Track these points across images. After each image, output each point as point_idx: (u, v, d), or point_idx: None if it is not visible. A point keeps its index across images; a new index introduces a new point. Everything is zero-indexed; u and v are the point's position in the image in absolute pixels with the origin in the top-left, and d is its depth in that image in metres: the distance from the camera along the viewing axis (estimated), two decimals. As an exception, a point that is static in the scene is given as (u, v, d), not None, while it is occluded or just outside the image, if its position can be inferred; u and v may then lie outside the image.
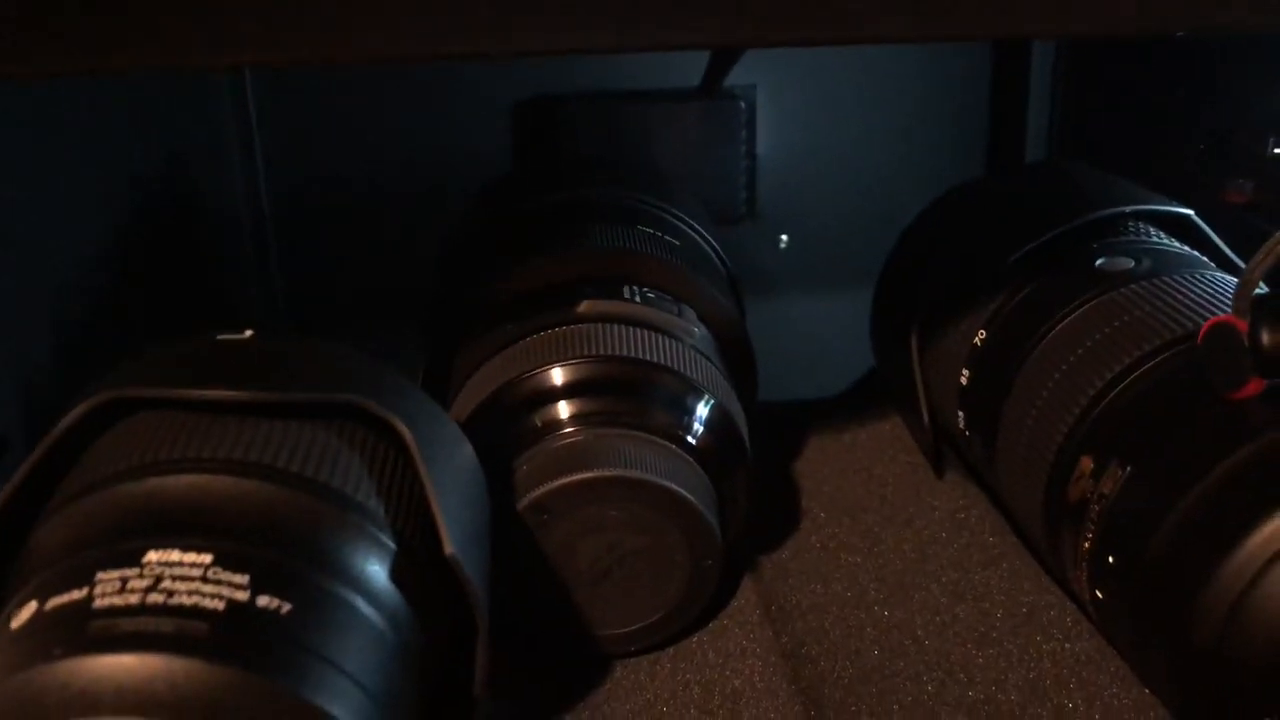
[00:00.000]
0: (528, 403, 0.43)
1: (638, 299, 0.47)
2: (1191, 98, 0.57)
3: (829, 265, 0.84)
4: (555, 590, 0.42)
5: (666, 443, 0.43)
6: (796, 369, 0.67)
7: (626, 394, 0.43)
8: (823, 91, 0.80)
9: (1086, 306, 0.43)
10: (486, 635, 0.34)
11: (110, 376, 0.34)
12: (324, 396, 0.33)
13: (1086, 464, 0.39)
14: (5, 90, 0.49)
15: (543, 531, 0.41)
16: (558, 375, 0.43)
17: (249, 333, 0.35)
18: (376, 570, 0.31)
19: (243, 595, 0.27)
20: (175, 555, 0.28)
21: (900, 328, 0.52)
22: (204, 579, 0.27)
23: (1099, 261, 0.45)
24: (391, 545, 0.32)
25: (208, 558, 0.28)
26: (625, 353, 0.44)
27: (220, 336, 0.35)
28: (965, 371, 0.48)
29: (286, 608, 0.28)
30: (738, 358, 0.51)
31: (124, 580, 0.27)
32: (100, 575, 0.27)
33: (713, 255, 0.56)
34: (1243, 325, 0.34)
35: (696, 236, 0.55)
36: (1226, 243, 0.45)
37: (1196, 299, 0.41)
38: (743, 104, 0.79)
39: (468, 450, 0.37)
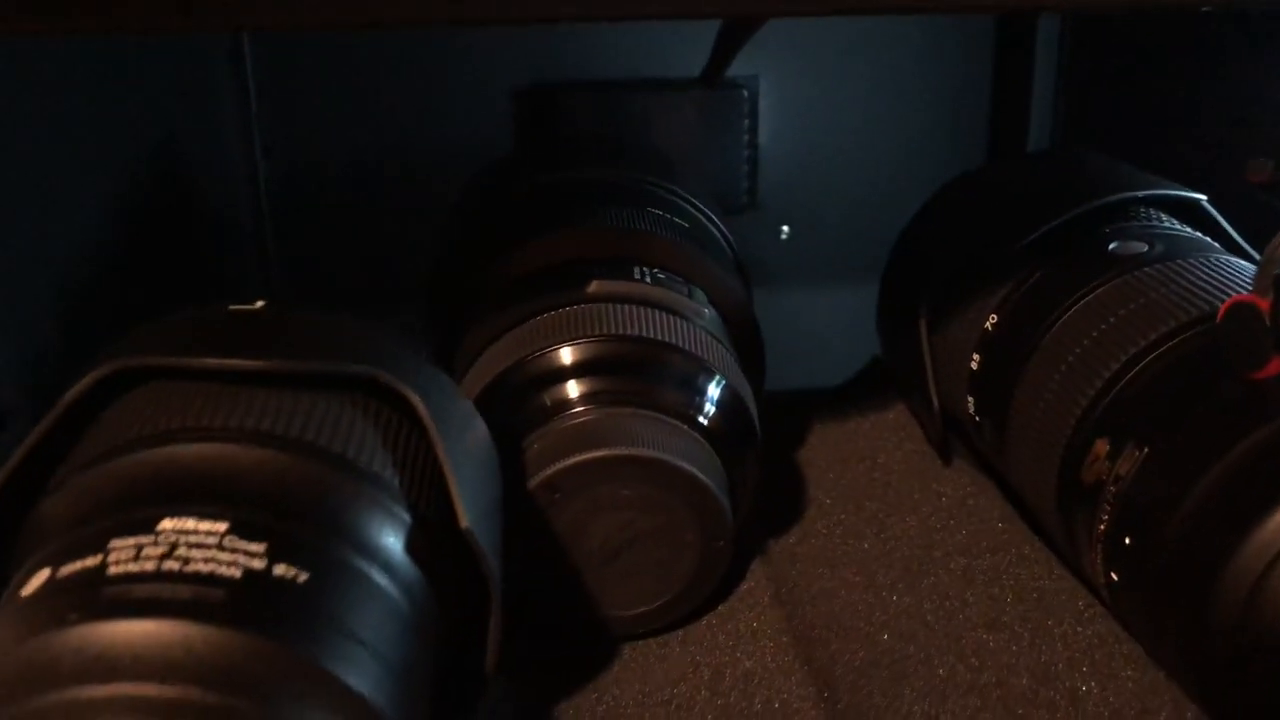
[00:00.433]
0: (538, 382, 0.43)
1: (648, 279, 0.46)
2: (1201, 78, 0.57)
3: (831, 255, 0.83)
4: (566, 569, 0.41)
5: (677, 422, 0.42)
6: (799, 359, 0.67)
7: (637, 373, 0.43)
8: (825, 82, 0.80)
9: (1101, 290, 0.43)
10: (499, 611, 0.33)
11: (119, 347, 0.33)
12: (339, 367, 0.32)
13: (1102, 446, 0.39)
14: (7, 71, 0.49)
15: (554, 510, 0.40)
16: (568, 354, 0.43)
17: (260, 304, 0.35)
18: (392, 542, 0.31)
19: (259, 564, 0.27)
20: (190, 523, 0.27)
21: (909, 314, 0.52)
22: (220, 547, 0.27)
23: (1112, 246, 0.45)
24: (407, 518, 0.31)
25: (223, 525, 0.27)
26: (636, 332, 0.44)
27: (232, 307, 0.35)
28: (976, 356, 0.48)
29: (304, 576, 0.27)
30: (745, 340, 0.50)
31: (139, 547, 0.27)
32: (114, 542, 0.27)
33: (720, 239, 0.55)
34: (1265, 304, 0.34)
35: (704, 219, 0.55)
36: (1246, 222, 0.45)
37: (1211, 282, 0.41)
38: (745, 94, 0.79)
39: (481, 426, 0.37)
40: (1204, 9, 0.46)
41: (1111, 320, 0.41)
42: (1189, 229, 0.47)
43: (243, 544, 0.27)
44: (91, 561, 0.26)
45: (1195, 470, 0.34)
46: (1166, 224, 0.47)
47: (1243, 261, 0.43)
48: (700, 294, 0.48)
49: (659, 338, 0.44)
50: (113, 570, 0.26)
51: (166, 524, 0.27)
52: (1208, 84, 0.59)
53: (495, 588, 0.33)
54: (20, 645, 0.25)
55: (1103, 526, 0.38)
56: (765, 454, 0.47)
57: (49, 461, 0.31)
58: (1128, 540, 0.37)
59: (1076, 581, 0.44)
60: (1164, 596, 0.35)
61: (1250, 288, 0.34)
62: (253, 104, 0.73)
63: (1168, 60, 0.64)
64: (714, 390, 0.44)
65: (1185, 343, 0.39)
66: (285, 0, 0.29)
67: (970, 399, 0.49)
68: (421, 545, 0.31)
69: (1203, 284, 0.41)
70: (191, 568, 0.26)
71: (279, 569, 0.27)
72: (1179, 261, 0.43)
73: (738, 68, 0.76)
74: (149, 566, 0.26)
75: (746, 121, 0.79)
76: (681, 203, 0.54)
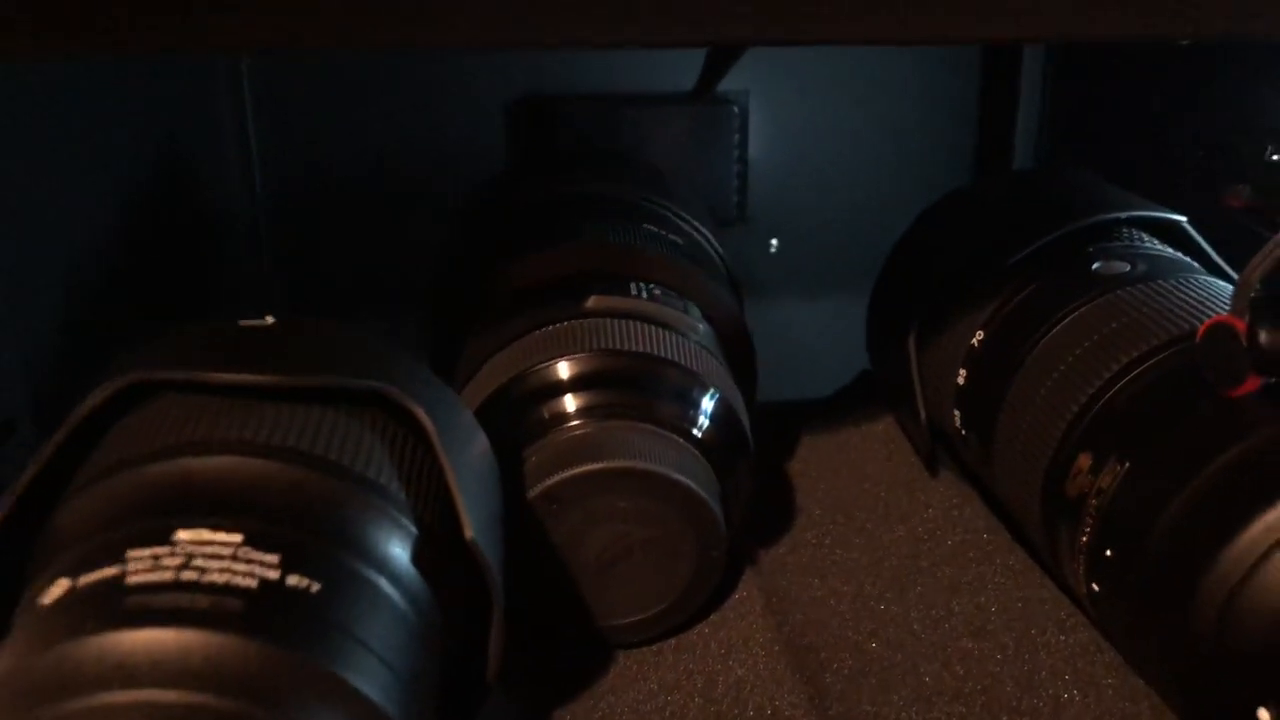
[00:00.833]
0: (536, 395, 0.44)
1: (644, 295, 0.47)
2: (1182, 104, 0.58)
3: (819, 269, 0.85)
4: (563, 579, 0.42)
5: (673, 435, 0.43)
6: (787, 372, 0.68)
7: (634, 387, 0.44)
8: (814, 97, 0.81)
9: (1084, 308, 0.44)
10: (502, 621, 0.34)
11: (132, 359, 0.34)
12: (349, 383, 0.33)
13: (1085, 460, 0.40)
14: (9, 84, 0.49)
15: (552, 521, 0.41)
16: (566, 368, 0.44)
17: (270, 319, 0.36)
18: (399, 553, 0.32)
19: (274, 574, 0.28)
20: (206, 534, 0.28)
21: (898, 328, 0.53)
22: (235, 558, 0.28)
23: (1095, 265, 0.46)
24: (413, 529, 0.32)
25: (238, 537, 0.28)
26: (632, 347, 0.44)
27: (243, 322, 0.35)
28: (962, 371, 0.49)
29: (316, 587, 0.28)
30: (738, 353, 0.52)
31: (156, 558, 0.27)
32: (131, 553, 0.28)
33: (714, 254, 0.57)
34: (1241, 325, 0.35)
35: (698, 235, 0.56)
36: (1224, 246, 0.47)
37: (1191, 302, 0.42)
38: (735, 109, 0.80)
39: (483, 439, 0.38)
40: (1182, 42, 0.48)
41: (1094, 338, 0.43)
42: (1170, 249, 0.48)
43: (258, 555, 0.28)
44: (110, 571, 0.27)
45: (1174, 485, 0.36)
46: (1148, 245, 0.48)
47: (1221, 282, 0.45)
48: (695, 309, 0.49)
49: (655, 352, 0.45)
50: (131, 580, 0.27)
51: (183, 535, 0.28)
52: (1188, 109, 0.61)
53: (498, 598, 0.34)
54: (41, 654, 0.25)
55: (1085, 539, 0.39)
56: (757, 465, 0.48)
57: (63, 472, 0.32)
58: (1109, 552, 0.38)
59: (1059, 592, 0.45)
60: (1144, 607, 0.36)
61: (1228, 308, 0.36)
62: (249, 115, 0.74)
63: (1150, 85, 0.66)
64: (708, 403, 0.45)
65: (1166, 361, 0.40)
66: (277, 23, 0.29)
67: (957, 412, 0.50)
68: (427, 556, 0.32)
69: (1183, 304, 0.42)
70: (208, 578, 0.27)
71: (292, 579, 0.28)
72: (1160, 282, 0.44)
73: (728, 83, 0.77)
74: (167, 576, 0.27)
75: (737, 136, 0.80)
76: (676, 218, 0.55)
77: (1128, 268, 0.45)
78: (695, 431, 0.44)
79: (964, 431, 0.50)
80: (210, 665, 0.25)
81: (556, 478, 0.41)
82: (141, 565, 0.27)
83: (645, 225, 0.52)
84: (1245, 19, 0.30)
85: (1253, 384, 0.35)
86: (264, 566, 0.28)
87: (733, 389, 0.47)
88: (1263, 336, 0.34)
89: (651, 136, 0.79)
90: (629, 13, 0.30)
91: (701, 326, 0.49)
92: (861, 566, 0.50)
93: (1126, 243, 0.48)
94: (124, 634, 0.25)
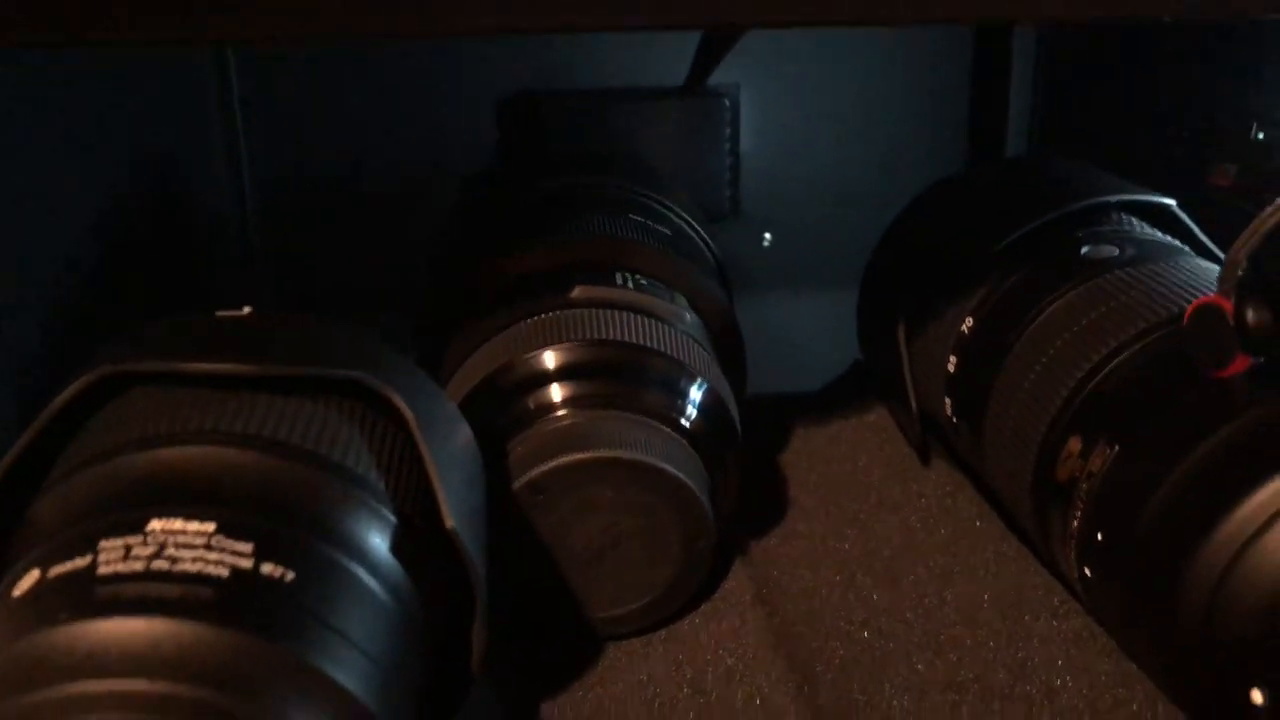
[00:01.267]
0: (522, 386, 0.43)
1: (630, 285, 0.47)
2: (1175, 85, 0.58)
3: (812, 262, 0.84)
4: (551, 570, 0.42)
5: (660, 425, 0.43)
6: (781, 364, 0.67)
7: (620, 377, 0.44)
8: (806, 89, 0.81)
9: (1073, 293, 0.44)
10: (484, 611, 0.34)
11: (107, 351, 0.34)
12: (325, 371, 0.33)
13: (1075, 444, 0.40)
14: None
15: (538, 512, 0.41)
16: (552, 358, 0.43)
17: (248, 309, 0.36)
18: (378, 542, 0.31)
19: (247, 563, 0.27)
20: (178, 524, 0.28)
21: (887, 317, 0.53)
22: (208, 547, 0.27)
23: (1084, 250, 0.46)
24: (392, 519, 0.32)
25: (211, 526, 0.28)
26: (619, 337, 0.44)
27: (220, 313, 0.35)
28: (952, 359, 0.49)
29: (290, 575, 0.28)
30: (727, 345, 0.51)
31: (128, 548, 0.27)
32: (103, 543, 0.27)
33: (702, 245, 0.56)
34: (1228, 305, 0.34)
35: (686, 226, 0.56)
36: (1211, 226, 0.46)
37: (1180, 284, 0.42)
38: (726, 102, 0.80)
39: (465, 429, 0.38)
40: (1166, 19, 0.47)
41: (1084, 322, 0.42)
42: (1159, 233, 0.48)
43: (230, 543, 0.28)
44: (81, 562, 0.27)
45: (1163, 467, 0.35)
46: (1138, 229, 0.48)
47: (1211, 265, 0.44)
48: (681, 299, 0.49)
49: (641, 342, 0.44)
50: (103, 570, 0.26)
51: (155, 524, 0.28)
52: (1178, 92, 0.60)
53: (480, 589, 0.33)
54: (12, 644, 0.25)
55: (1076, 523, 0.39)
56: (747, 457, 0.47)
57: (39, 465, 0.32)
58: (1100, 536, 0.38)
59: (1052, 578, 0.45)
60: (1134, 590, 0.36)
61: (1216, 290, 0.35)
62: (238, 115, 0.74)
63: (1140, 69, 0.65)
64: (695, 393, 0.45)
65: (1155, 343, 0.39)
66: (271, 15, 0.29)
67: (948, 400, 0.49)
68: (407, 546, 0.32)
69: (1171, 287, 0.42)
70: (180, 567, 0.27)
71: (266, 568, 0.27)
72: (1149, 265, 0.44)
73: (719, 76, 0.77)
74: (138, 566, 0.26)
75: (728, 129, 0.80)
76: (664, 210, 0.55)
77: (1116, 252, 0.45)
78: (683, 421, 0.44)
79: (955, 419, 0.49)
80: (181, 654, 0.25)
81: (542, 468, 0.41)
82: (113, 555, 0.27)
83: (632, 217, 0.52)
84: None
85: (1241, 364, 0.35)
86: (237, 555, 0.27)
87: (720, 379, 0.47)
88: (1250, 316, 0.34)
89: (643, 131, 0.79)
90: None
91: (689, 316, 0.48)
92: (853, 557, 0.49)
93: (1115, 227, 0.48)
94: (94, 624, 0.25)
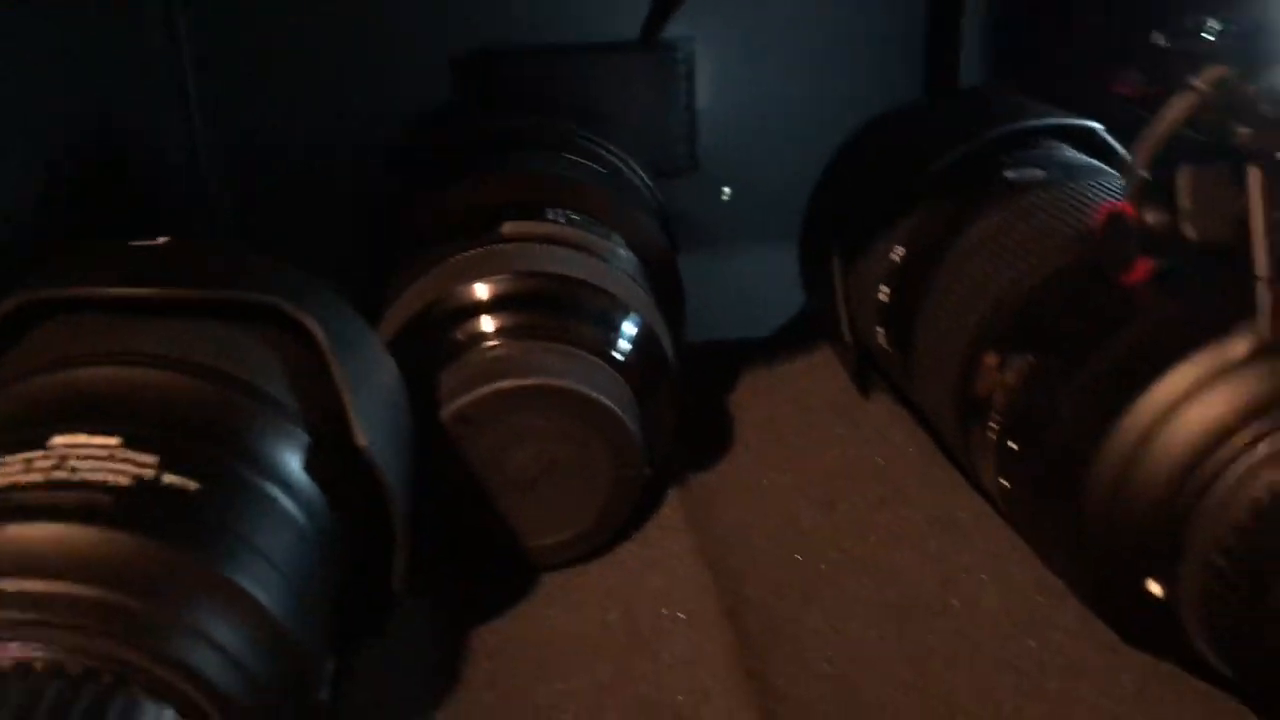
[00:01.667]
0: (452, 318, 0.44)
1: (561, 220, 0.48)
2: (1123, 23, 0.58)
3: (773, 214, 0.84)
4: (483, 500, 0.42)
5: (589, 355, 0.43)
6: (745, 316, 0.68)
7: (550, 308, 0.44)
8: (761, 41, 0.81)
9: (996, 216, 0.44)
10: (405, 531, 0.34)
11: (28, 282, 0.34)
12: (235, 295, 0.33)
13: (992, 359, 0.40)
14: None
15: (468, 441, 0.41)
16: (481, 291, 0.44)
17: (163, 239, 0.36)
18: (289, 459, 0.32)
19: (150, 473, 0.28)
20: (82, 439, 0.28)
21: (823, 252, 0.53)
22: (111, 459, 0.28)
23: (1009, 174, 0.46)
24: (305, 437, 0.32)
25: (115, 440, 0.28)
26: (548, 269, 0.45)
27: (134, 243, 0.35)
28: (884, 288, 0.49)
29: (194, 486, 0.28)
30: (665, 282, 0.52)
31: (29, 461, 0.27)
32: (5, 458, 0.28)
33: (641, 186, 0.57)
34: (1132, 210, 0.35)
35: (624, 167, 0.56)
36: (1123, 137, 0.47)
37: (1097, 201, 0.42)
38: (681, 56, 0.80)
39: (385, 356, 0.38)
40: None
41: (1003, 242, 0.43)
42: (1085, 156, 0.48)
43: (134, 455, 0.28)
44: None
45: (1069, 373, 0.36)
46: (1065, 152, 0.48)
47: (1132, 182, 0.45)
48: (616, 236, 0.49)
49: (571, 274, 0.45)
50: (1, 483, 0.27)
51: (58, 440, 0.28)
52: (1120, 18, 0.60)
53: (397, 509, 0.34)
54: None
55: (993, 435, 0.39)
56: (695, 400, 0.48)
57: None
58: (1014, 446, 0.38)
59: (980, 497, 0.46)
60: (1043, 494, 0.37)
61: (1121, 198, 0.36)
62: (190, 79, 0.73)
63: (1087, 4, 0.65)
64: (627, 326, 0.45)
65: (1069, 257, 0.40)
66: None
67: (881, 330, 0.50)
68: (320, 464, 0.32)
69: (1089, 204, 0.42)
70: (80, 477, 0.27)
71: (169, 478, 0.28)
72: (1070, 185, 0.44)
73: (674, 30, 0.77)
74: (38, 478, 0.27)
75: (684, 84, 0.80)
76: (601, 151, 0.55)
77: (1041, 174, 0.45)
78: (614, 353, 0.44)
79: (889, 349, 0.50)
80: (77, 558, 0.25)
81: (469, 397, 0.41)
82: (14, 469, 0.27)
83: (566, 156, 0.52)
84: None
85: (1144, 270, 0.35)
86: (139, 466, 0.28)
87: (654, 312, 0.47)
88: (1149, 217, 0.34)
89: (599, 86, 0.79)
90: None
91: (622, 252, 0.49)
92: (792, 487, 0.50)
93: (1042, 151, 0.48)
94: None
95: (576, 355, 0.43)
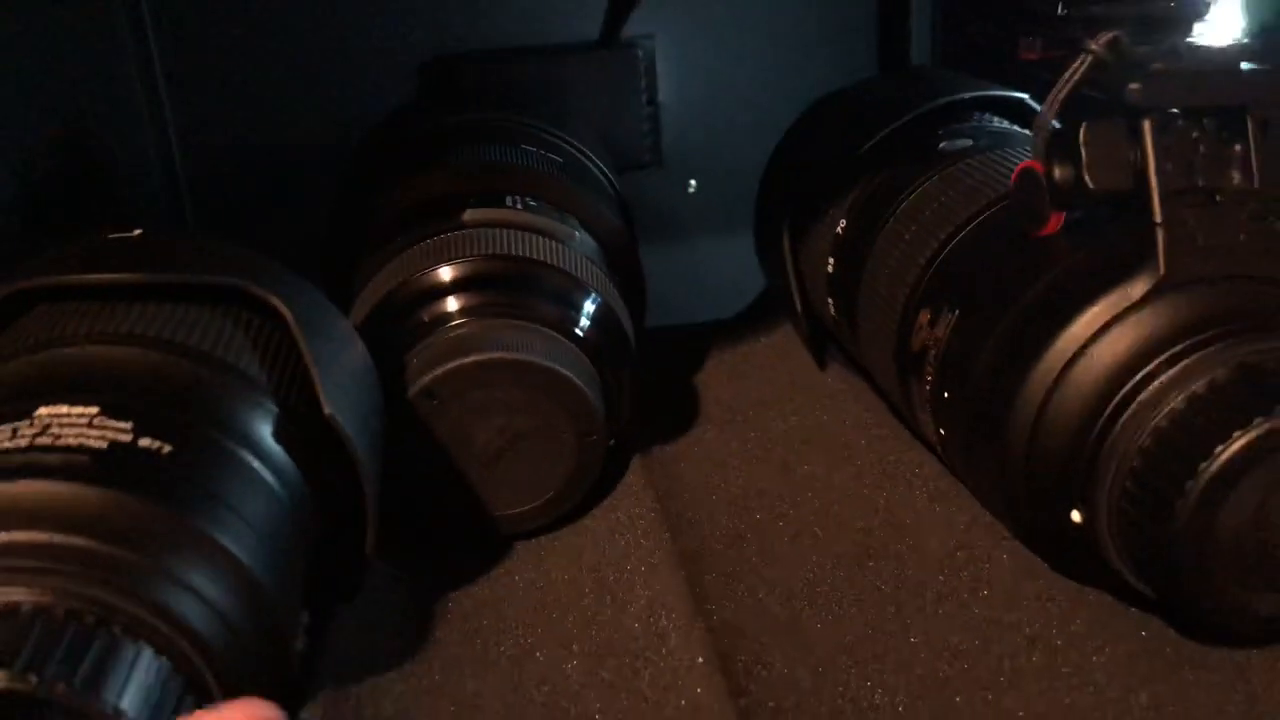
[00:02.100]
0: (417, 301, 0.46)
1: (519, 207, 0.50)
2: None
3: (737, 205, 0.86)
4: (452, 474, 0.45)
5: (549, 331, 0.46)
6: (710, 304, 0.70)
7: (510, 288, 0.46)
8: (719, 35, 0.83)
9: (928, 183, 0.47)
10: (374, 497, 0.36)
11: (13, 274, 0.36)
12: (205, 278, 0.36)
13: (925, 316, 0.43)
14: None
15: (434, 416, 0.44)
16: (444, 273, 0.46)
17: (138, 231, 0.38)
18: (260, 428, 0.34)
19: (126, 437, 0.30)
20: (64, 409, 0.31)
21: (775, 229, 0.56)
22: (90, 425, 0.30)
23: (942, 145, 0.49)
24: (274, 408, 0.35)
25: (94, 409, 0.31)
26: (507, 251, 0.47)
27: (111, 235, 0.38)
28: (831, 260, 0.52)
29: (168, 448, 0.30)
30: (623, 265, 0.54)
31: (15, 430, 0.30)
32: None
33: (598, 174, 0.59)
34: (1041, 167, 0.37)
35: (581, 156, 0.58)
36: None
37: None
38: (641, 53, 0.82)
39: (353, 335, 0.40)
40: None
41: (935, 206, 0.45)
42: (1018, 127, 0.51)
43: (111, 422, 0.30)
44: None
45: (990, 323, 0.38)
46: (996, 123, 0.51)
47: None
48: (573, 220, 0.52)
49: (530, 255, 0.47)
50: None
51: (42, 411, 0.30)
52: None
53: (364, 471, 0.36)
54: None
55: (928, 387, 0.42)
56: (659, 380, 0.50)
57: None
58: (946, 394, 0.41)
59: (923, 449, 0.48)
60: (973, 437, 0.39)
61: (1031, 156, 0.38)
62: (161, 88, 0.76)
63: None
64: (586, 304, 0.48)
65: (992, 216, 0.42)
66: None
67: (830, 301, 0.52)
68: (290, 434, 0.35)
69: (1014, 168, 0.44)
70: (62, 441, 0.29)
71: (144, 441, 0.30)
72: (1000, 151, 0.47)
73: (633, 28, 0.79)
74: (22, 443, 0.29)
75: (645, 80, 0.82)
76: (558, 141, 0.58)
77: (970, 143, 0.48)
78: (574, 329, 0.47)
79: (837, 318, 0.52)
80: (60, 510, 0.27)
81: (434, 373, 0.43)
82: (2, 437, 0.30)
83: (524, 147, 0.54)
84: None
85: (1055, 222, 0.38)
86: (116, 431, 0.30)
87: (611, 291, 0.50)
88: (1056, 172, 0.37)
89: (562, 86, 0.81)
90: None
91: (578, 235, 0.51)
92: (750, 454, 0.52)
93: (974, 124, 0.50)
94: None
95: (537, 331, 0.46)
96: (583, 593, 0.42)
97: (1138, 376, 0.34)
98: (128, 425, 0.30)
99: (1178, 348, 0.34)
